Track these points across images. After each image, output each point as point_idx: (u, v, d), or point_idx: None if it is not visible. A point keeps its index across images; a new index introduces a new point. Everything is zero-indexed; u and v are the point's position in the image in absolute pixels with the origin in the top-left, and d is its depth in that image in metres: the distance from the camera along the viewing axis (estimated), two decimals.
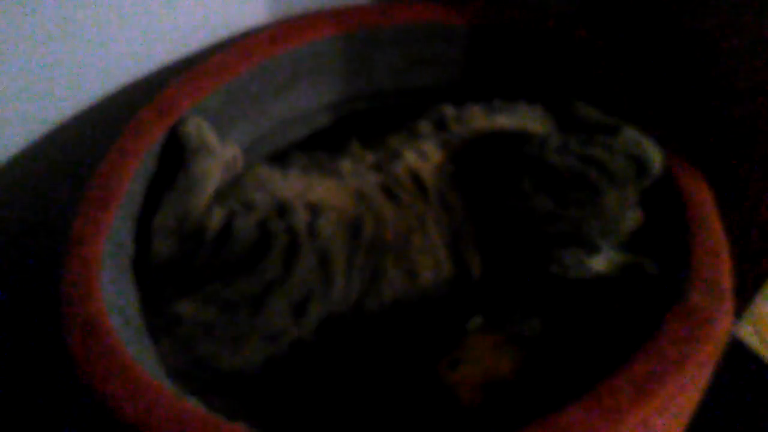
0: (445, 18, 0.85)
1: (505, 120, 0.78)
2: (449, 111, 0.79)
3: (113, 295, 0.63)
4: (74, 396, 0.57)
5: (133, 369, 0.57)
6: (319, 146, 0.79)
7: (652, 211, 0.71)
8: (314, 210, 0.69)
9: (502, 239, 0.70)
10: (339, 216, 0.69)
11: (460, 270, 0.70)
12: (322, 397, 0.66)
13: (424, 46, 0.86)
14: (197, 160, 0.72)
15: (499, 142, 0.75)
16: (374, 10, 0.85)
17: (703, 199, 0.67)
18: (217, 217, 0.68)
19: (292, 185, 0.73)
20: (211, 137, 0.73)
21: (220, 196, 0.72)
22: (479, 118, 0.78)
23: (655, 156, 0.69)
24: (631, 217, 0.71)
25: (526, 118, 0.78)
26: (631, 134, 0.70)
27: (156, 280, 0.68)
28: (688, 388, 0.56)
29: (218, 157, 0.73)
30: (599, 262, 0.68)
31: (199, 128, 0.73)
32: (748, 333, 0.86)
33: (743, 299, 0.84)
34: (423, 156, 0.75)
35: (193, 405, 0.57)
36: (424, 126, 0.78)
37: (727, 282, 0.61)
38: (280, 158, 0.79)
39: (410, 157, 0.75)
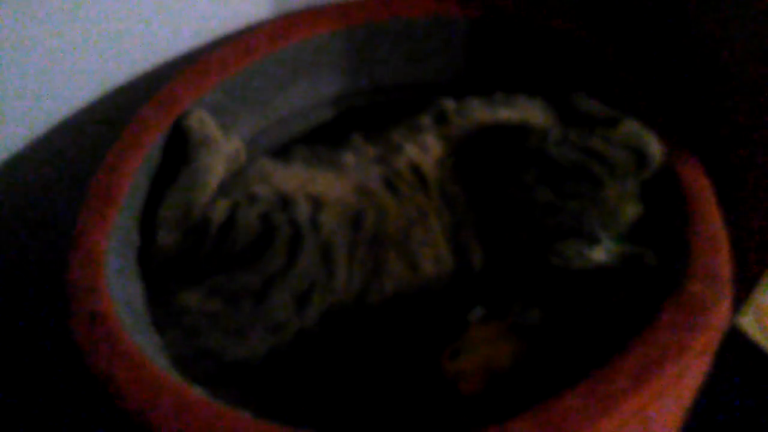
0: (445, 12, 0.85)
1: (505, 113, 0.78)
2: (450, 104, 0.79)
3: (118, 287, 0.63)
4: (80, 386, 0.58)
5: (138, 358, 0.57)
6: (321, 140, 0.80)
7: (652, 200, 0.71)
8: (316, 202, 0.70)
9: (503, 231, 0.70)
10: (341, 209, 0.70)
11: (462, 262, 0.70)
12: (324, 387, 0.67)
13: (424, 41, 0.86)
14: (201, 154, 0.72)
15: (500, 134, 0.75)
16: (375, 4, 0.85)
17: (701, 188, 0.67)
18: (220, 209, 0.69)
19: (295, 178, 0.73)
20: (214, 131, 0.74)
21: (224, 189, 0.72)
22: (480, 111, 0.78)
23: (655, 148, 0.69)
24: (632, 209, 0.71)
25: (526, 111, 0.78)
26: (631, 126, 0.70)
27: (160, 272, 0.69)
28: (685, 376, 0.56)
29: (221, 150, 0.73)
30: (599, 254, 0.68)
31: (202, 122, 0.74)
32: (749, 323, 0.86)
33: (745, 290, 0.84)
34: (424, 149, 0.75)
35: (197, 393, 0.57)
36: (425, 119, 0.78)
37: (725, 271, 0.61)
38: (282, 152, 0.79)
39: (411, 150, 0.75)
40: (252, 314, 0.66)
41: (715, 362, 0.62)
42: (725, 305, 0.59)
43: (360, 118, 0.89)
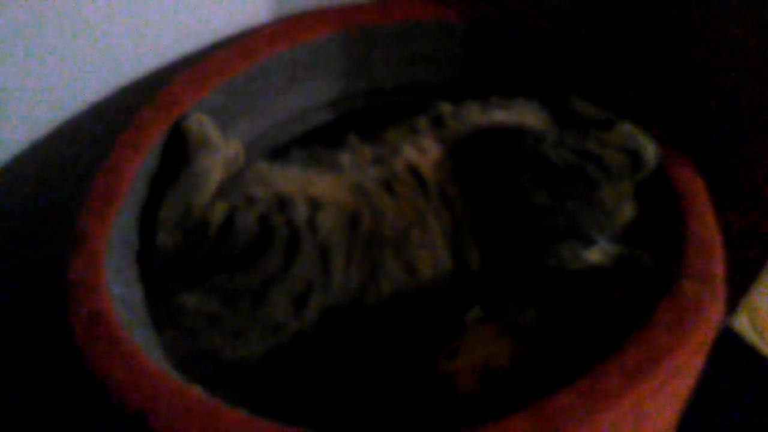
0: (443, 15, 0.85)
1: (502, 115, 0.78)
2: (446, 108, 0.79)
3: (118, 288, 0.64)
4: (79, 386, 0.58)
5: (137, 358, 0.57)
6: (319, 143, 0.80)
7: (646, 201, 0.71)
8: (314, 204, 0.70)
9: (499, 233, 0.70)
10: (338, 210, 0.70)
11: (459, 264, 0.70)
12: (322, 387, 0.67)
13: (422, 44, 0.87)
14: (200, 156, 0.72)
15: (497, 137, 0.75)
16: (373, 8, 0.85)
17: (696, 189, 0.68)
18: (219, 211, 0.69)
19: (292, 180, 0.73)
20: (213, 133, 0.74)
21: (222, 191, 0.72)
22: (476, 114, 0.78)
23: (650, 150, 0.69)
24: (627, 210, 0.71)
25: (523, 114, 0.79)
26: (626, 128, 0.71)
27: (160, 273, 0.69)
28: (679, 374, 0.56)
29: (220, 152, 0.74)
30: (595, 255, 0.68)
31: (201, 124, 0.74)
32: (743, 325, 0.86)
33: (739, 291, 0.85)
34: (422, 151, 0.75)
35: (196, 393, 0.57)
36: (422, 122, 0.79)
37: (719, 270, 0.62)
38: (280, 154, 0.80)
39: (409, 151, 0.75)
40: (250, 315, 0.66)
41: (709, 363, 0.62)
42: (719, 305, 0.60)
43: (358, 120, 0.89)
